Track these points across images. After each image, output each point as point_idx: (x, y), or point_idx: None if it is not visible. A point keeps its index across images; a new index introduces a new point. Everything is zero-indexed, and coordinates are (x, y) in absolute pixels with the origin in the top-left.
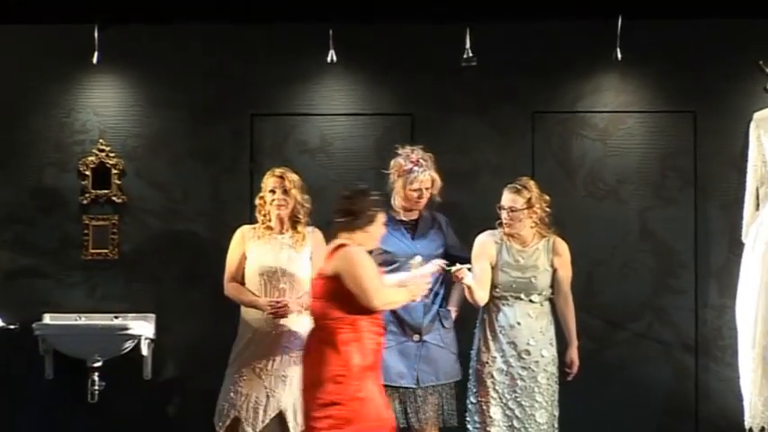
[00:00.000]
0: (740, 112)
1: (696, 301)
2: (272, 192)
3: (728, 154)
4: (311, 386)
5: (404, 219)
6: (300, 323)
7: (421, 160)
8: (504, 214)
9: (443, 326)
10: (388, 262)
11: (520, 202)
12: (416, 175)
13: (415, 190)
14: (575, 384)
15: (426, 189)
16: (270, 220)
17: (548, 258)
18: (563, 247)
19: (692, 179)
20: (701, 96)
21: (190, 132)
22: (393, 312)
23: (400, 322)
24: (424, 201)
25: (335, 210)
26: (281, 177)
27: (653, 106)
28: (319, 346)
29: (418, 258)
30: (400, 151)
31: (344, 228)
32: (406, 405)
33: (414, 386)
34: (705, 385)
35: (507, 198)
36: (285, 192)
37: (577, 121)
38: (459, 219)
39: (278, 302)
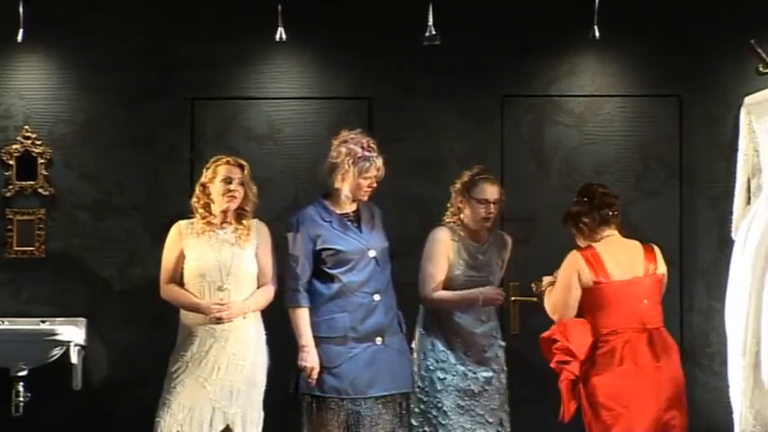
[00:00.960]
0: (730, 96)
1: (681, 304)
2: (226, 181)
3: (717, 142)
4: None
5: (346, 212)
6: (247, 327)
7: (373, 145)
8: (488, 208)
9: (401, 329)
10: (342, 262)
11: (500, 193)
12: (373, 161)
13: (368, 178)
14: (545, 393)
15: (376, 177)
16: (210, 213)
17: (498, 254)
18: (510, 240)
19: (677, 169)
20: (687, 79)
21: (124, 118)
22: (352, 315)
23: (360, 326)
24: (371, 190)
25: (611, 204)
26: (239, 167)
27: (634, 90)
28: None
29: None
30: (347, 137)
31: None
32: (357, 418)
33: (383, 394)
34: (691, 396)
35: (492, 190)
36: (240, 183)
37: (551, 106)
38: (421, 212)
39: (222, 305)
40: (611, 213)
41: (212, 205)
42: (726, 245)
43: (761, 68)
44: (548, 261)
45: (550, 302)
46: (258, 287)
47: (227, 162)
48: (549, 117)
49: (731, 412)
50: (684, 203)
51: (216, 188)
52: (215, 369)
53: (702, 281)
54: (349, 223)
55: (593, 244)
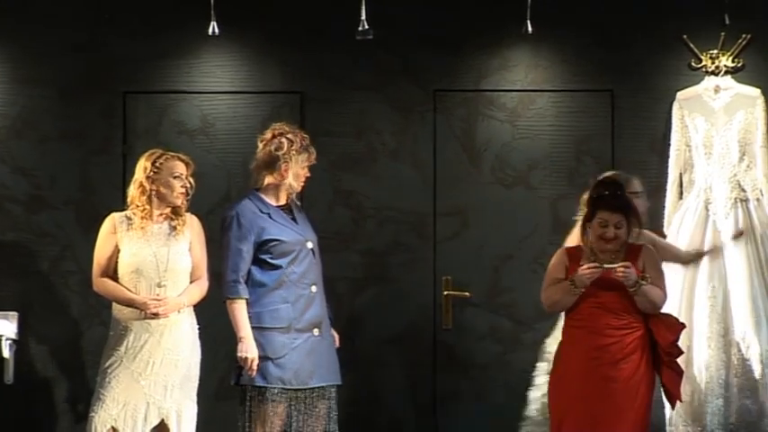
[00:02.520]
0: (662, 91)
1: None
2: (179, 177)
3: (649, 137)
4: None
5: (281, 204)
6: (182, 322)
7: (305, 135)
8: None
9: (331, 320)
10: (285, 253)
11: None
12: (312, 151)
13: (306, 168)
14: (477, 388)
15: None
16: (151, 208)
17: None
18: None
19: (609, 164)
20: (620, 74)
21: (56, 112)
22: (294, 306)
23: (302, 317)
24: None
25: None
26: (189, 164)
27: (567, 84)
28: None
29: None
30: (282, 129)
31: None
32: (295, 411)
33: (322, 385)
34: None
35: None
36: (188, 179)
37: (483, 101)
38: (353, 207)
39: (158, 301)
40: None
41: (154, 200)
42: None
43: (693, 63)
44: (479, 255)
45: (666, 294)
46: (192, 281)
47: (179, 159)
48: (481, 112)
49: (663, 407)
50: None
51: (166, 183)
52: (150, 364)
53: None
54: (287, 215)
55: None
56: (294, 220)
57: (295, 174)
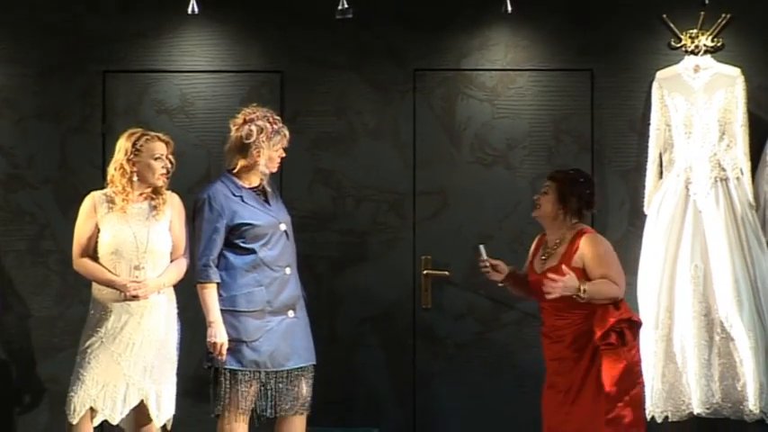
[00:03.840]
0: (642, 70)
1: None
2: (161, 159)
3: (629, 116)
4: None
5: (254, 186)
6: (161, 303)
7: (277, 118)
8: None
9: (305, 301)
10: (257, 236)
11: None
12: (283, 133)
13: (279, 150)
14: (460, 367)
15: (285, 148)
16: (132, 189)
17: None
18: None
19: (588, 144)
20: (599, 53)
21: (35, 92)
22: (268, 289)
23: (276, 300)
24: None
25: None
26: (169, 143)
27: (546, 64)
28: None
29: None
30: (251, 115)
31: None
32: (270, 392)
33: (300, 366)
34: None
35: None
36: (168, 159)
37: (463, 80)
38: (333, 187)
39: (138, 283)
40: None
41: (134, 181)
42: (637, 219)
43: (673, 43)
44: (459, 235)
45: (620, 284)
46: (172, 260)
47: (159, 139)
48: (460, 91)
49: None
50: (596, 178)
51: (147, 165)
52: (130, 345)
53: None
54: (259, 197)
55: (582, 225)
56: (267, 201)
57: (268, 157)
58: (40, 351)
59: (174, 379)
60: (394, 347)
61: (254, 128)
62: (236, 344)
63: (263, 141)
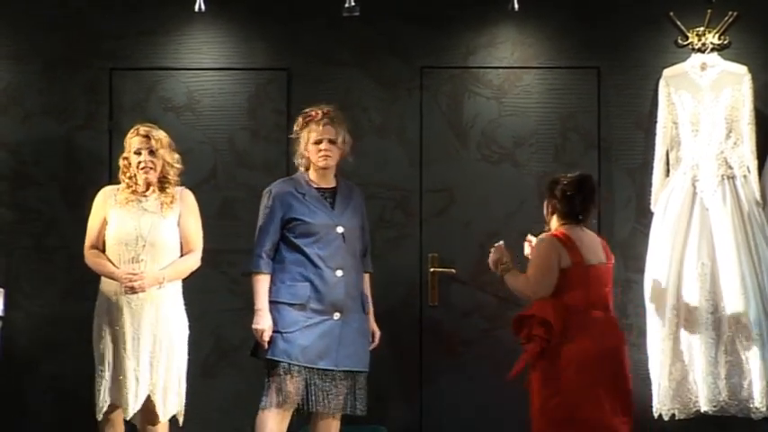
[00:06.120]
0: (649, 68)
1: None
2: (138, 153)
3: (636, 114)
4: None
5: (322, 186)
6: (163, 297)
7: (322, 111)
8: None
9: (364, 311)
10: (307, 234)
11: None
12: (312, 128)
13: (315, 143)
14: (467, 365)
15: (331, 143)
16: (137, 183)
17: None
18: None
19: (595, 141)
20: (606, 51)
21: (42, 88)
22: (313, 286)
23: (320, 298)
24: (331, 159)
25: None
26: (147, 137)
27: (553, 61)
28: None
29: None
30: (306, 110)
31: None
32: (312, 387)
33: (331, 368)
34: None
35: None
36: (152, 152)
37: (470, 78)
38: None
39: (134, 275)
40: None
41: (137, 176)
42: (644, 217)
43: (679, 41)
44: (465, 232)
45: (531, 285)
46: (183, 255)
47: (137, 133)
48: (467, 88)
49: (650, 384)
50: (603, 175)
51: (133, 160)
52: (134, 339)
53: (620, 253)
54: (323, 198)
55: (562, 228)
56: (333, 203)
57: (308, 150)
58: (46, 348)
59: (180, 373)
60: (400, 345)
61: (300, 119)
62: (273, 333)
63: (300, 133)
